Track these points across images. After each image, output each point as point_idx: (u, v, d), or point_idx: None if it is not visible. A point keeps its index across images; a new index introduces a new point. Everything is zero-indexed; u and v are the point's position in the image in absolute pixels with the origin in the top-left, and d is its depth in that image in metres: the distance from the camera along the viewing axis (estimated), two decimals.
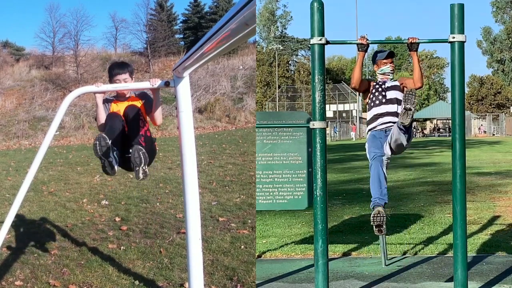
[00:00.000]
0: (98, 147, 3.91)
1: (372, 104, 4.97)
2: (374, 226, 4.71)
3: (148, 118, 4.33)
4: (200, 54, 2.53)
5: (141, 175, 4.03)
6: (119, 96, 4.30)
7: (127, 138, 4.13)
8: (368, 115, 5.04)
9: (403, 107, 4.48)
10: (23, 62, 39.26)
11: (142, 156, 3.96)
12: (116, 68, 4.23)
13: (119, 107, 4.25)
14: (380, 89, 4.96)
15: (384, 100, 4.90)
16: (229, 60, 34.83)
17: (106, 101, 4.29)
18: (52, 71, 36.79)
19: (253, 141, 17.03)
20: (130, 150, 4.03)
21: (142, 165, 3.99)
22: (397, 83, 5.01)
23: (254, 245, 5.95)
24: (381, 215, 4.64)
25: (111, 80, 4.23)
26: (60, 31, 39.32)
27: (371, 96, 4.98)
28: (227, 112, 29.74)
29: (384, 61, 5.05)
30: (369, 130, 5.00)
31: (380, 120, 4.90)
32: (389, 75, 5.03)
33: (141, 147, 4.00)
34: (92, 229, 7.21)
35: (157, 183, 10.54)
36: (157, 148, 4.58)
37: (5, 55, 39.96)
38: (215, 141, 19.11)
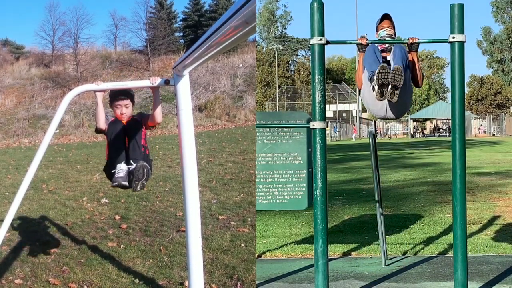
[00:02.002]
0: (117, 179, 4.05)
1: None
2: (376, 86, 4.31)
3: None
4: (200, 52, 2.53)
5: (138, 188, 4.11)
6: (121, 115, 4.30)
7: (127, 150, 4.17)
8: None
9: (391, 85, 4.27)
10: (23, 61, 39.25)
11: (145, 172, 4.04)
12: (117, 93, 4.24)
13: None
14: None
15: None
16: (229, 58, 34.82)
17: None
18: (52, 70, 36.78)
19: (252, 139, 17.03)
20: (132, 163, 4.10)
21: (144, 180, 4.07)
22: None
23: (254, 244, 5.95)
24: (386, 70, 4.26)
25: (112, 104, 4.26)
26: (59, 29, 39.40)
27: None
28: (227, 110, 29.75)
29: (380, 25, 4.83)
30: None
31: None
32: (384, 38, 4.76)
33: (146, 164, 4.06)
34: (92, 227, 7.21)
35: (157, 181, 10.54)
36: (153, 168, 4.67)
37: (5, 54, 39.94)
38: (215, 139, 19.11)
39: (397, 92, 4.35)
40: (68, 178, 12.28)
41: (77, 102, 30.29)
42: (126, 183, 4.07)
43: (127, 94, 4.28)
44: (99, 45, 42.21)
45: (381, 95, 4.34)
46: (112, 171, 4.14)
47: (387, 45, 4.81)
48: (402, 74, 4.29)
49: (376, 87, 4.34)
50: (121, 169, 4.08)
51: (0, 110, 31.91)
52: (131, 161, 4.11)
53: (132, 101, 4.31)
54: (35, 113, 31.12)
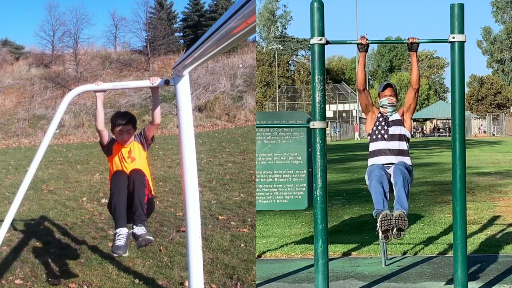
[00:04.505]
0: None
1: (374, 137, 4.93)
2: (380, 232, 4.46)
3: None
4: (200, 52, 2.53)
5: (138, 247, 4.28)
6: (123, 141, 4.32)
7: (131, 195, 4.23)
8: (370, 147, 4.99)
9: (396, 227, 4.40)
10: (23, 61, 39.26)
11: (147, 242, 4.14)
12: (119, 119, 4.26)
13: (122, 151, 4.32)
14: (383, 123, 4.91)
15: (386, 136, 4.86)
16: (228, 59, 34.82)
17: (110, 142, 4.34)
18: (52, 70, 36.79)
19: (252, 139, 17.03)
20: (134, 226, 4.16)
21: (145, 246, 4.20)
22: (398, 116, 4.97)
23: (254, 244, 5.94)
24: (388, 217, 4.40)
25: (114, 130, 4.28)
26: (59, 29, 39.42)
27: (374, 128, 4.94)
28: (226, 110, 29.73)
29: (383, 93, 5.01)
30: (370, 165, 4.92)
31: (382, 159, 4.84)
32: (386, 107, 4.94)
33: (150, 236, 4.14)
34: (91, 227, 7.21)
35: (156, 182, 10.53)
36: (155, 205, 4.85)
37: (4, 54, 39.93)
38: (215, 140, 19.10)
39: (403, 233, 4.47)
40: (68, 178, 12.28)
41: (77, 102, 30.29)
42: (127, 253, 4.17)
43: (128, 120, 4.29)
44: (99, 45, 42.29)
45: (386, 238, 4.46)
46: (113, 233, 4.23)
47: (384, 105, 4.97)
48: (406, 219, 4.43)
49: (380, 232, 4.44)
50: (122, 234, 4.12)
51: (0, 110, 31.91)
52: (134, 225, 4.17)
53: (134, 126, 4.32)
54: (35, 113, 31.12)
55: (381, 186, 4.63)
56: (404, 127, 4.92)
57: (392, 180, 4.71)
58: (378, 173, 4.67)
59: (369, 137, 5.02)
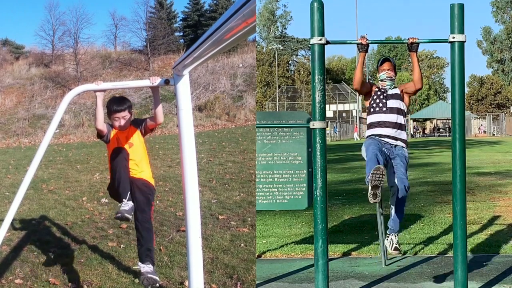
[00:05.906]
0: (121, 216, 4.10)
1: (372, 110, 4.95)
2: (370, 188, 4.38)
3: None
4: (200, 52, 2.52)
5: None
6: (120, 126, 4.33)
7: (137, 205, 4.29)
8: (368, 119, 5.01)
9: (392, 248, 4.81)
10: (23, 60, 39.22)
11: (151, 281, 4.18)
12: (115, 105, 4.26)
13: (120, 137, 4.33)
14: (381, 96, 4.93)
15: (384, 109, 4.88)
16: (228, 58, 34.80)
17: (108, 131, 4.35)
18: (52, 69, 36.76)
19: (252, 139, 17.02)
20: (142, 267, 4.33)
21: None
22: (397, 91, 4.98)
23: (254, 243, 5.94)
24: (381, 171, 4.36)
25: (110, 116, 4.30)
26: (59, 29, 39.35)
27: (372, 101, 4.96)
28: (226, 110, 29.72)
29: (381, 67, 5.05)
30: (367, 136, 4.98)
31: (379, 130, 4.86)
32: (385, 81, 4.98)
33: (151, 275, 4.24)
34: (91, 227, 7.21)
35: (156, 181, 10.45)
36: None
37: (4, 53, 39.89)
38: (215, 139, 19.10)
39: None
40: (68, 178, 12.28)
41: (77, 102, 30.28)
42: (129, 217, 4.13)
43: (123, 103, 4.30)
44: (99, 45, 42.18)
45: (374, 196, 4.42)
46: (119, 204, 4.22)
47: (383, 79, 5.00)
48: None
49: (369, 188, 4.40)
50: (128, 204, 4.14)
51: (0, 110, 31.89)
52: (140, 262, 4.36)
53: (130, 111, 4.33)
54: (35, 113, 31.10)
55: (376, 155, 4.61)
56: (403, 101, 4.94)
57: (393, 164, 4.72)
58: (375, 148, 4.69)
59: (367, 112, 5.02)
